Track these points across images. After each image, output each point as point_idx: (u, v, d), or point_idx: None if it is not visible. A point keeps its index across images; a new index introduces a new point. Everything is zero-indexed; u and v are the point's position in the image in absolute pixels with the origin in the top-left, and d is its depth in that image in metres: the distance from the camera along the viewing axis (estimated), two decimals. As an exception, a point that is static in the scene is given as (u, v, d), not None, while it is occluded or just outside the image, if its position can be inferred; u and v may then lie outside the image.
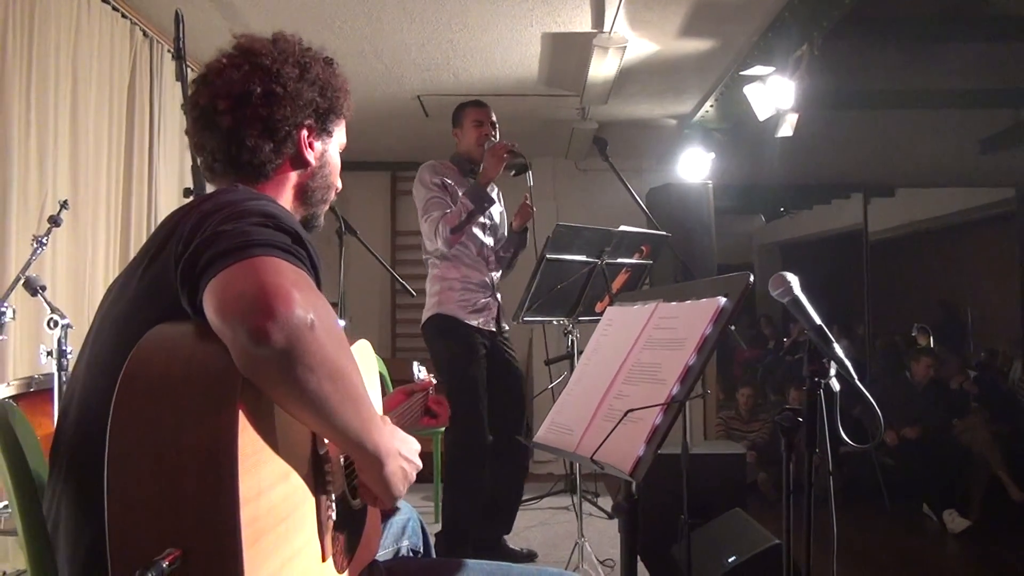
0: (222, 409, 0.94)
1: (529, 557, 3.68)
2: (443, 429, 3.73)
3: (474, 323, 3.52)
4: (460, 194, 3.48)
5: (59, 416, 1.20)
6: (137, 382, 0.96)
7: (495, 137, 3.60)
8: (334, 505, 1.20)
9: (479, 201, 3.40)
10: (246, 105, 1.31)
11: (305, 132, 1.38)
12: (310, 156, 1.40)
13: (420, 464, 1.25)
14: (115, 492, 0.92)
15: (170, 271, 1.08)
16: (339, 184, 1.51)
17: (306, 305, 0.96)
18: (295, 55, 1.37)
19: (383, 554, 1.65)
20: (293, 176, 1.41)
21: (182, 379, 0.96)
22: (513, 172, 3.56)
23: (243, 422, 0.94)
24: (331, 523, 1.19)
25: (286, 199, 1.41)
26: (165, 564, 0.87)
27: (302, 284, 0.99)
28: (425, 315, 3.59)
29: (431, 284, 3.62)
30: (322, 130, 1.42)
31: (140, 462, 0.93)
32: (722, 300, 1.41)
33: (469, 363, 3.45)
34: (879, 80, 5.60)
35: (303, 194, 1.43)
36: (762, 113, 4.50)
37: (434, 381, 1.90)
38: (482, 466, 3.43)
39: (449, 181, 3.56)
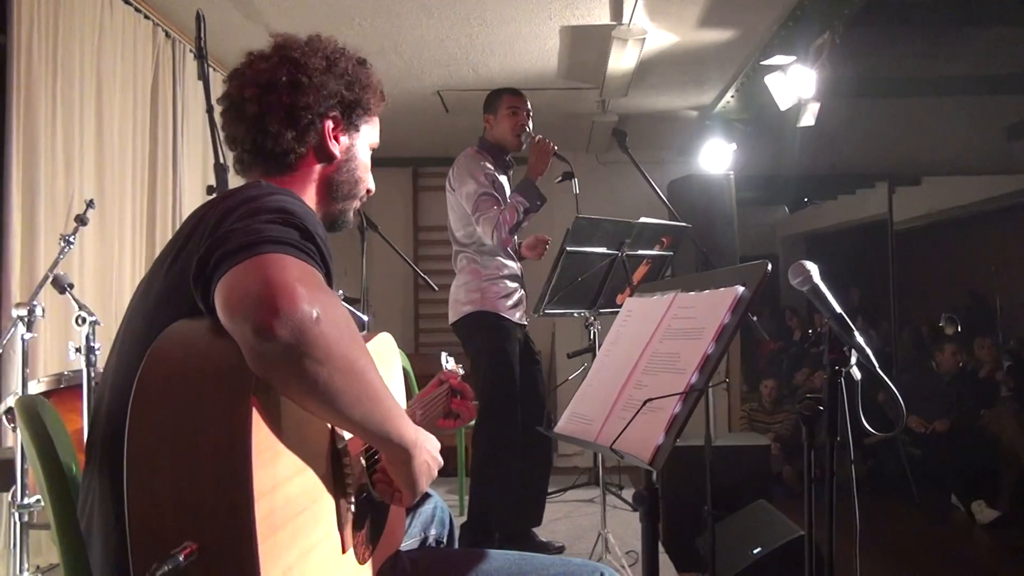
0: (236, 404, 0.95)
1: (558, 551, 3.68)
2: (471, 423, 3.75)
3: (513, 318, 3.52)
4: (507, 190, 3.49)
5: (92, 411, 1.22)
6: (154, 379, 0.98)
7: (530, 127, 3.58)
8: (353, 498, 1.21)
9: (533, 199, 3.42)
10: (271, 93, 1.33)
11: (330, 124, 1.38)
12: (335, 148, 1.40)
13: (442, 461, 1.26)
14: (134, 487, 0.94)
15: (192, 267, 1.09)
16: (371, 184, 1.51)
17: (311, 300, 0.96)
18: (324, 50, 1.39)
19: (409, 543, 1.66)
20: (318, 168, 1.40)
21: (197, 375, 0.98)
22: (559, 179, 3.55)
23: (257, 417, 0.95)
24: (350, 516, 1.20)
25: (311, 193, 1.41)
26: (181, 558, 0.87)
27: (307, 279, 1.00)
28: (462, 310, 3.51)
29: (467, 278, 3.53)
30: (349, 124, 1.41)
31: (157, 457, 0.94)
32: (740, 289, 1.41)
33: (510, 359, 3.45)
34: (903, 67, 5.54)
35: (328, 188, 1.42)
36: (784, 103, 4.47)
37: (462, 372, 1.90)
38: (514, 459, 3.44)
39: (499, 177, 3.52)
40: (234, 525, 0.91)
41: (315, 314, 0.96)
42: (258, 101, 1.33)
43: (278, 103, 1.33)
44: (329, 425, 1.17)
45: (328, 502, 1.14)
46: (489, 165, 3.50)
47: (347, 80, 1.39)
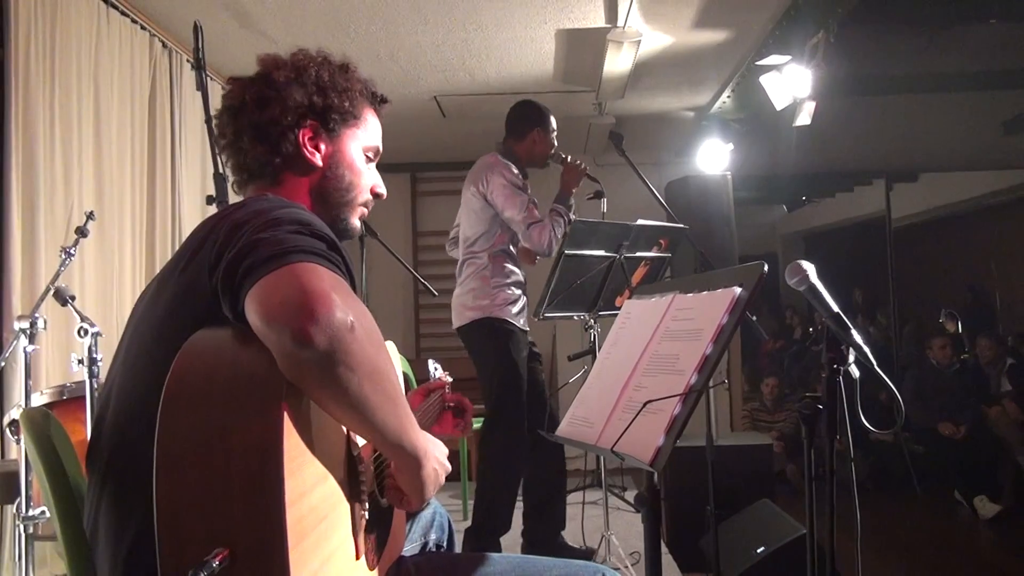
0: (268, 412, 0.96)
1: (587, 555, 3.59)
2: (475, 427, 3.74)
3: (519, 324, 3.51)
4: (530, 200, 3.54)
5: (95, 420, 1.23)
6: (184, 386, 0.98)
7: None
8: (367, 504, 1.22)
9: (568, 212, 3.52)
10: (241, 114, 1.37)
11: (307, 133, 1.37)
12: (314, 157, 1.39)
13: (450, 467, 1.27)
14: (164, 493, 0.94)
15: (203, 278, 1.10)
16: (381, 188, 1.51)
17: (345, 308, 0.98)
18: (296, 62, 1.39)
19: (410, 548, 1.68)
20: (303, 179, 1.40)
21: (228, 383, 0.99)
22: (590, 196, 3.68)
23: (287, 425, 0.96)
24: (364, 522, 1.21)
25: (304, 204, 1.39)
26: (215, 563, 0.88)
27: (340, 288, 1.02)
28: (469, 316, 3.49)
29: (476, 283, 3.50)
30: (327, 131, 1.39)
31: (189, 464, 0.95)
32: (737, 290, 1.42)
33: (518, 365, 3.44)
34: (898, 64, 5.54)
35: (319, 197, 1.41)
36: (779, 102, 4.48)
37: (450, 380, 1.90)
38: (523, 465, 3.44)
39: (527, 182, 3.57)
40: (267, 532, 0.92)
41: (350, 322, 0.99)
42: (232, 124, 1.38)
43: (247, 122, 1.36)
44: (345, 431, 1.19)
45: (344, 508, 1.15)
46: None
47: (317, 87, 1.38)
